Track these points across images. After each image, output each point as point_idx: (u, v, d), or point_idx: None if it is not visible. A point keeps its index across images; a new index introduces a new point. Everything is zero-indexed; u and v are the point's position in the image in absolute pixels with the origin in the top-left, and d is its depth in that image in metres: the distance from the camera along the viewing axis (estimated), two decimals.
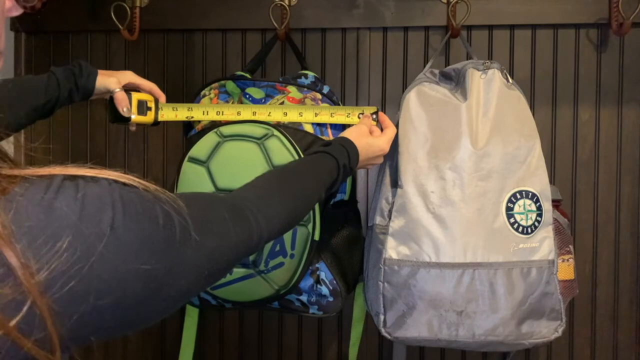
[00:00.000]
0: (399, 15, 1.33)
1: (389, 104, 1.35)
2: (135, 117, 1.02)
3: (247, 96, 1.09)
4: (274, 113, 1.03)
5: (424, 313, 1.00)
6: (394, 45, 1.36)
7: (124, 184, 0.42)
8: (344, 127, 1.07)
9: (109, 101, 1.01)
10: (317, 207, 0.98)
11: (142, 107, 1.03)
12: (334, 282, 1.04)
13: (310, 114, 1.04)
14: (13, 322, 0.34)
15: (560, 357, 1.34)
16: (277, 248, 0.98)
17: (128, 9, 1.32)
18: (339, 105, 1.12)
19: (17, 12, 0.50)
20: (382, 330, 1.03)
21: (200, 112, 1.05)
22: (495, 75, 1.05)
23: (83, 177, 0.40)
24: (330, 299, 1.04)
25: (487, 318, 0.99)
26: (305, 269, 1.00)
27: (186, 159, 1.02)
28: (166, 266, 0.43)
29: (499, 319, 0.99)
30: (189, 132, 1.13)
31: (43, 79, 0.94)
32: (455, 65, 1.11)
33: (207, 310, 1.30)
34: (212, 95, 1.12)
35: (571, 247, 1.13)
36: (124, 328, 0.42)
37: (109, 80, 0.99)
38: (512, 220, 1.00)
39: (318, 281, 1.03)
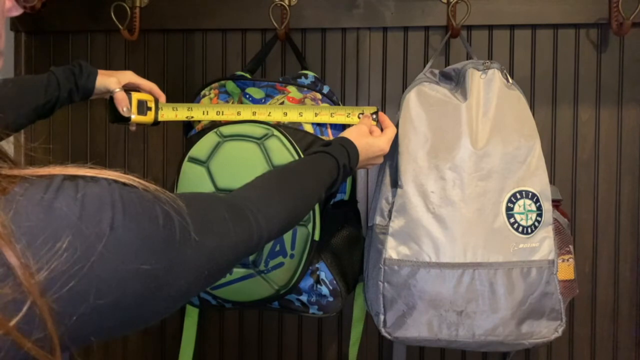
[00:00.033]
0: (399, 15, 1.33)
1: (389, 104, 1.35)
2: (135, 117, 1.02)
3: (247, 96, 1.09)
4: (274, 113, 1.03)
5: (424, 313, 1.00)
6: (394, 45, 1.36)
7: (124, 184, 0.42)
8: (344, 127, 1.07)
9: (109, 101, 1.01)
10: (317, 207, 0.98)
11: (142, 107, 1.03)
12: (334, 282, 1.04)
13: (310, 114, 1.04)
14: (13, 322, 0.34)
15: (560, 357, 1.34)
16: (277, 248, 0.98)
17: (128, 9, 1.32)
18: (339, 105, 1.12)
19: (17, 12, 0.50)
20: (382, 330, 1.03)
21: (200, 112, 1.05)
22: (495, 75, 1.05)
23: (83, 177, 0.40)
24: (330, 299, 1.04)
25: (487, 318, 0.99)
26: (305, 269, 1.00)
27: (186, 159, 1.02)
28: (166, 266, 0.43)
29: (499, 319, 0.99)
30: (189, 132, 1.13)
31: (43, 79, 0.94)
32: (455, 65, 1.11)
33: (207, 310, 1.31)
34: (212, 95, 1.12)
35: (571, 247, 1.13)
36: (124, 328, 0.42)
37: (109, 80, 0.99)
38: (512, 220, 1.00)
39: (318, 281, 1.03)
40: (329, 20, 1.35)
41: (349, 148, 0.88)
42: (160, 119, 1.05)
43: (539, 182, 1.02)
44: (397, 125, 1.04)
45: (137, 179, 0.43)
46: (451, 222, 0.99)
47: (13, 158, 0.40)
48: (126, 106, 1.00)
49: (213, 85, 1.14)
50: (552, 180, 1.31)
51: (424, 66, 1.18)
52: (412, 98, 1.07)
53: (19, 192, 0.37)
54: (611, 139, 1.32)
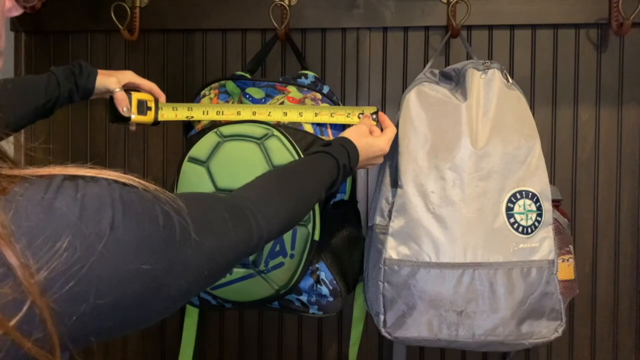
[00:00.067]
0: (399, 15, 1.33)
1: (389, 104, 1.35)
2: (135, 116, 1.02)
3: (247, 96, 1.09)
4: (274, 113, 1.03)
5: (424, 313, 1.00)
6: (394, 45, 1.36)
7: (124, 184, 0.42)
8: (344, 127, 1.07)
9: (109, 101, 1.01)
10: (317, 207, 0.98)
11: (142, 107, 1.03)
12: (334, 282, 1.04)
13: (310, 114, 1.04)
14: (13, 322, 0.34)
15: (560, 357, 1.34)
16: (277, 248, 0.98)
17: (128, 9, 1.32)
18: (339, 105, 1.12)
19: (17, 12, 0.50)
20: (382, 330, 1.03)
21: (200, 112, 1.05)
22: (495, 75, 1.05)
23: (83, 177, 0.40)
24: (330, 299, 1.04)
25: (487, 318, 0.99)
26: (305, 269, 0.99)
27: (186, 159, 1.02)
28: (166, 266, 0.43)
29: (499, 319, 0.99)
30: (189, 132, 1.13)
31: (43, 78, 0.94)
32: (455, 65, 1.11)
33: (207, 310, 1.30)
34: (212, 95, 1.12)
35: (571, 247, 1.13)
36: (124, 328, 0.42)
37: (109, 80, 0.99)
38: (512, 220, 1.00)
39: (318, 281, 1.03)
40: (329, 20, 1.35)
41: (349, 148, 0.88)
42: (160, 118, 1.05)
43: (539, 182, 1.02)
44: (397, 125, 1.04)
45: (137, 179, 0.43)
46: (451, 222, 0.99)
47: (13, 158, 0.40)
48: (126, 106, 1.00)
49: (213, 85, 1.14)
50: (552, 180, 1.31)
51: (424, 66, 1.18)
52: (412, 98, 1.07)
53: (19, 192, 0.37)
54: (611, 139, 1.32)
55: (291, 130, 1.02)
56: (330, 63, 1.37)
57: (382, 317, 1.02)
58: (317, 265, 1.03)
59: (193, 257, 0.46)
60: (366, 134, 0.95)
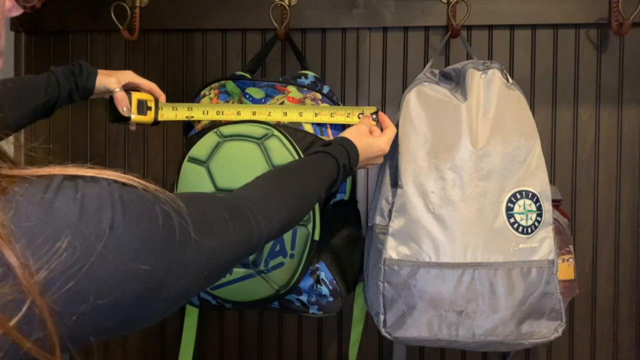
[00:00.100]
0: (399, 15, 1.33)
1: (389, 104, 1.35)
2: (135, 116, 1.02)
3: (247, 96, 1.09)
4: (274, 113, 1.03)
5: (424, 313, 1.00)
6: (394, 45, 1.36)
7: (124, 184, 0.42)
8: (344, 127, 1.07)
9: (109, 101, 1.01)
10: (317, 207, 0.98)
11: (142, 107, 1.03)
12: (334, 282, 1.04)
13: (310, 114, 1.04)
14: (13, 322, 0.34)
15: (560, 357, 1.34)
16: (277, 248, 0.98)
17: (128, 9, 1.32)
18: (339, 105, 1.12)
19: (17, 12, 0.50)
20: (382, 330, 1.03)
21: (200, 112, 1.05)
22: (495, 75, 1.05)
23: (82, 177, 0.40)
24: (330, 299, 1.04)
25: (487, 318, 0.99)
26: (305, 269, 0.99)
27: (186, 159, 1.02)
28: (166, 266, 0.43)
29: (499, 319, 0.99)
30: (189, 132, 1.13)
31: (43, 78, 0.94)
32: (455, 65, 1.11)
33: (207, 310, 1.30)
34: (212, 95, 1.12)
35: (571, 247, 1.13)
36: (123, 328, 0.42)
37: (109, 80, 0.99)
38: (512, 220, 1.00)
39: (318, 281, 1.03)
40: (329, 20, 1.35)
41: (349, 148, 0.88)
42: (160, 118, 1.05)
43: (539, 182, 1.02)
44: (397, 125, 1.04)
45: (136, 179, 0.43)
46: (451, 222, 0.99)
47: (13, 158, 0.40)
48: (126, 106, 1.00)
49: (213, 85, 1.14)
50: (552, 180, 1.31)
51: (424, 66, 1.18)
52: (412, 98, 1.06)
53: (18, 192, 0.37)
54: (611, 139, 1.32)
55: (291, 130, 1.02)
56: (330, 63, 1.37)
57: (382, 317, 1.02)
58: (317, 265, 1.03)
59: (193, 257, 0.46)
60: (366, 134, 0.95)
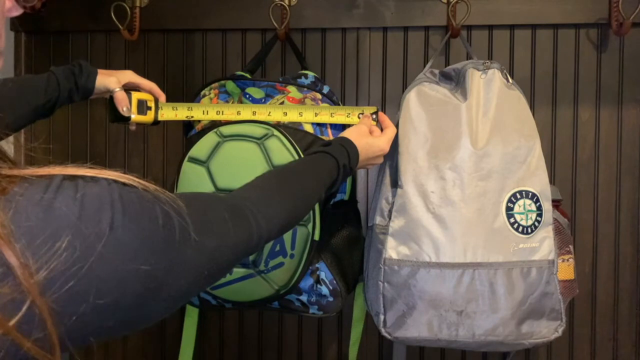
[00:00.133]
0: (399, 15, 1.33)
1: (389, 104, 1.35)
2: (135, 116, 1.02)
3: (247, 96, 1.09)
4: (274, 113, 1.03)
5: (424, 313, 1.00)
6: (394, 45, 1.36)
7: (124, 184, 0.42)
8: (344, 127, 1.07)
9: (109, 101, 1.01)
10: (317, 207, 0.98)
11: (142, 107, 1.03)
12: (334, 282, 1.04)
13: (310, 114, 1.04)
14: (12, 322, 0.34)
15: (560, 357, 1.34)
16: (277, 248, 0.98)
17: (128, 9, 1.32)
18: (339, 105, 1.12)
19: (17, 12, 0.50)
20: (382, 330, 1.03)
21: (200, 112, 1.05)
22: (495, 75, 1.05)
23: (82, 177, 0.40)
24: (330, 299, 1.04)
25: (487, 318, 0.99)
26: (305, 269, 0.99)
27: (186, 159, 1.02)
28: (166, 266, 0.43)
29: (499, 319, 0.99)
30: (189, 132, 1.13)
31: (43, 78, 0.94)
32: (455, 65, 1.11)
33: (207, 310, 1.30)
34: (212, 95, 1.12)
35: (571, 247, 1.13)
36: (123, 328, 0.42)
37: (109, 80, 0.99)
38: (512, 220, 1.00)
39: (318, 281, 1.03)
40: (329, 20, 1.35)
41: (349, 148, 0.88)
42: (160, 118, 1.05)
43: (539, 182, 1.02)
44: (397, 125, 1.04)
45: (136, 179, 0.43)
46: (451, 222, 0.99)
47: (13, 158, 0.40)
48: (126, 106, 1.00)
49: (213, 85, 1.14)
50: (552, 180, 1.31)
51: (424, 66, 1.18)
52: (412, 98, 1.06)
53: (18, 192, 0.37)
54: (611, 139, 1.32)
55: (291, 130, 1.02)
56: (330, 63, 1.37)
57: (382, 317, 1.02)
58: (317, 265, 1.03)
59: (193, 257, 0.46)
60: (366, 134, 0.95)
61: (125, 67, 1.38)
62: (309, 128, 1.05)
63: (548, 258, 1.00)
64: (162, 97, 1.06)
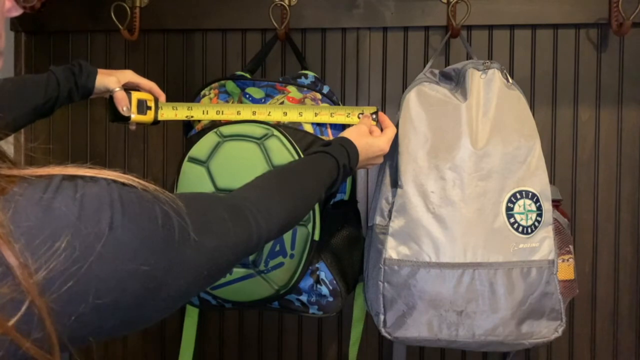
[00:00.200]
0: (399, 15, 1.33)
1: (389, 104, 1.35)
2: (135, 116, 1.01)
3: (247, 96, 1.09)
4: (274, 113, 1.03)
5: (424, 313, 1.00)
6: (394, 45, 1.36)
7: (123, 184, 0.42)
8: (344, 127, 1.07)
9: (109, 100, 1.01)
10: (317, 207, 0.98)
11: (142, 106, 1.03)
12: (334, 282, 1.04)
13: (310, 114, 1.04)
14: (12, 322, 0.34)
15: (560, 357, 1.34)
16: (277, 248, 0.98)
17: (128, 9, 1.32)
18: (339, 105, 1.12)
19: (17, 12, 0.50)
20: (382, 330, 1.03)
21: (200, 112, 1.05)
22: (495, 75, 1.05)
23: (82, 177, 0.40)
24: (330, 299, 1.04)
25: (487, 318, 0.99)
26: (305, 269, 0.99)
27: (186, 159, 1.02)
28: (165, 266, 0.43)
29: (499, 319, 0.99)
30: (189, 132, 1.13)
31: (43, 78, 0.94)
32: (455, 65, 1.11)
33: (207, 310, 1.30)
34: (212, 95, 1.12)
35: (571, 247, 1.13)
36: (123, 328, 0.42)
37: (109, 80, 0.99)
38: (512, 220, 1.00)
39: (318, 281, 1.03)
40: (329, 20, 1.35)
41: (349, 148, 0.88)
42: (160, 118, 1.05)
43: (539, 182, 1.02)
44: (397, 125, 1.04)
45: (136, 179, 0.43)
46: (451, 222, 0.99)
47: (12, 158, 0.40)
48: (126, 105, 1.00)
49: (213, 85, 1.13)
50: (552, 180, 1.31)
51: (424, 66, 1.18)
52: (412, 98, 1.06)
53: (18, 192, 0.37)
54: (611, 139, 1.32)
55: (291, 130, 1.02)
56: (330, 63, 1.37)
57: (382, 317, 1.02)
58: (317, 265, 1.03)
59: (192, 257, 0.46)
60: (366, 134, 0.95)
61: (125, 67, 1.38)
62: (309, 128, 1.05)
63: (548, 258, 1.00)
64: (162, 96, 1.06)
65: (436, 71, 1.13)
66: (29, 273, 0.35)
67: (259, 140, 0.99)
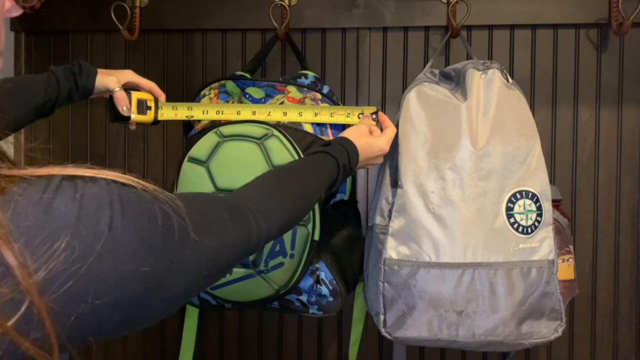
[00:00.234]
0: (399, 15, 1.33)
1: (389, 104, 1.35)
2: (135, 116, 1.01)
3: (247, 96, 1.09)
4: (274, 113, 1.03)
5: (424, 313, 1.00)
6: (394, 45, 1.36)
7: (123, 184, 0.42)
8: (344, 127, 1.07)
9: (109, 100, 1.01)
10: (317, 207, 0.98)
11: (142, 106, 1.03)
12: (334, 282, 1.04)
13: (310, 114, 1.04)
14: (11, 322, 0.34)
15: (560, 357, 1.34)
16: (277, 248, 0.98)
17: (128, 9, 1.32)
18: (339, 105, 1.12)
19: (17, 12, 0.50)
20: (382, 330, 1.03)
21: (199, 112, 1.05)
22: (495, 75, 1.05)
23: (81, 177, 0.40)
24: (330, 299, 1.04)
25: (487, 318, 0.99)
26: (305, 269, 0.99)
27: (186, 159, 1.02)
28: (165, 266, 0.43)
29: (499, 319, 0.98)
30: (189, 132, 1.13)
31: (43, 78, 0.94)
32: (455, 65, 1.11)
33: (207, 310, 1.30)
34: (212, 95, 1.12)
35: (571, 247, 1.13)
36: (123, 328, 0.42)
37: (109, 79, 0.99)
38: (512, 220, 1.00)
39: (318, 281, 1.03)
40: (329, 20, 1.35)
41: (349, 148, 0.88)
42: (160, 118, 1.05)
43: (539, 182, 1.02)
44: (397, 125, 1.04)
45: (136, 179, 0.43)
46: (451, 222, 0.99)
47: (12, 158, 0.40)
48: (126, 105, 1.00)
49: (213, 85, 1.13)
50: (552, 180, 1.31)
51: (424, 66, 1.18)
52: (412, 98, 1.06)
53: (17, 192, 0.37)
54: (611, 139, 1.32)
55: (291, 130, 1.02)
56: (330, 63, 1.37)
57: (382, 317, 1.02)
58: (317, 265, 1.03)
59: (192, 257, 0.46)
60: (366, 134, 0.95)
61: (125, 67, 1.38)
62: (308, 128, 1.05)
63: (548, 258, 1.00)
64: (162, 96, 1.06)
65: (436, 71, 1.13)
66: (28, 273, 0.35)
67: (259, 140, 0.99)
